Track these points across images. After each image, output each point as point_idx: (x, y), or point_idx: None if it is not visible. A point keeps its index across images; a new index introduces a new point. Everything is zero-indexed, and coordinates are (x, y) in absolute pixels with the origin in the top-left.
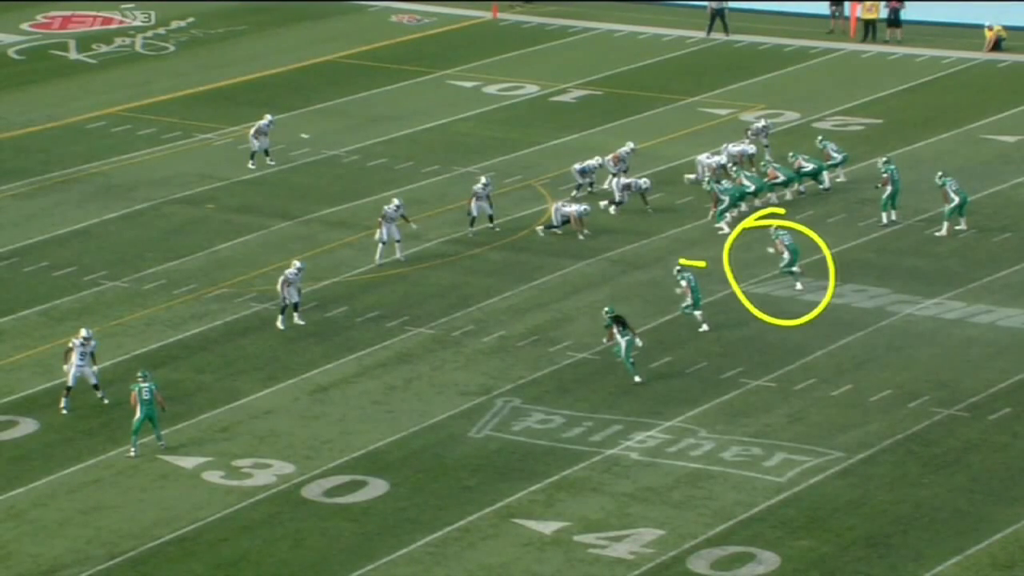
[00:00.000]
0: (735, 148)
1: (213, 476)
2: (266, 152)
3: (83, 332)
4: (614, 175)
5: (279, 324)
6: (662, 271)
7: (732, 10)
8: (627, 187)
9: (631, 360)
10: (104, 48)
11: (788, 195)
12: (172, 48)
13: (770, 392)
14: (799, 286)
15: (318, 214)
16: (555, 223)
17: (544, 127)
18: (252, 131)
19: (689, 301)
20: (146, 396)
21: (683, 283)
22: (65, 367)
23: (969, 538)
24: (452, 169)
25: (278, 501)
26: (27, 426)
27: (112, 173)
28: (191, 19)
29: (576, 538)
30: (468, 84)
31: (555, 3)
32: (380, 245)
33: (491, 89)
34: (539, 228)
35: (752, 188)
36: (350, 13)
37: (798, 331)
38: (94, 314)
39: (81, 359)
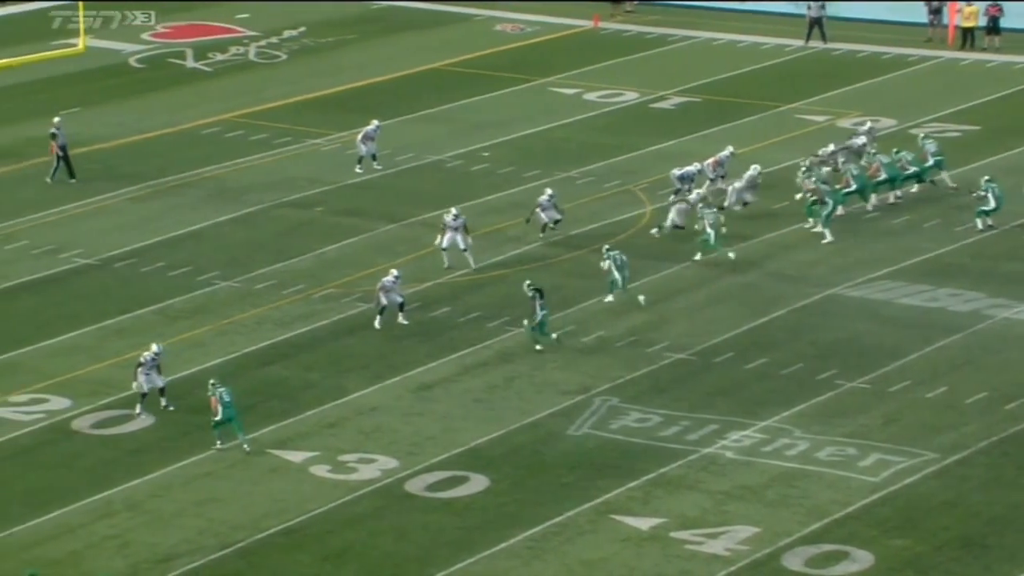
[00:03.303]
0: (858, 140)
1: (320, 470)
2: (373, 157)
3: (154, 347)
4: (712, 180)
5: (376, 325)
6: (758, 275)
7: (830, 18)
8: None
9: (545, 329)
10: (219, 57)
11: (891, 198)
12: (284, 56)
13: (865, 393)
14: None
15: (422, 217)
16: (676, 224)
17: (643, 133)
18: (360, 136)
19: (617, 278)
20: (227, 399)
21: (607, 262)
22: (135, 383)
23: None
24: (553, 174)
25: (382, 495)
26: (143, 420)
27: (225, 177)
28: (303, 28)
29: (672, 534)
30: (569, 91)
31: (656, 11)
32: (443, 252)
33: (591, 96)
34: (654, 231)
35: (855, 187)
36: (455, 22)
37: (893, 334)
38: (207, 313)
39: (149, 370)
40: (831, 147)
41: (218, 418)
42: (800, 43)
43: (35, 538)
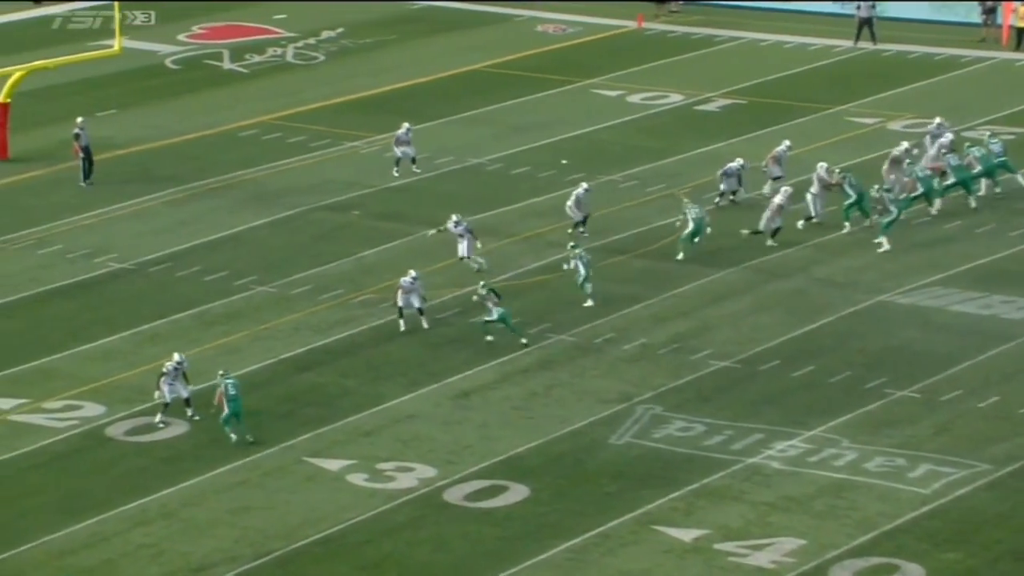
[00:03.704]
0: (946, 140)
1: (357, 478)
2: (413, 160)
3: (176, 356)
4: (775, 179)
5: (401, 327)
6: (805, 280)
7: (881, 18)
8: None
9: (512, 327)
10: (256, 58)
11: (973, 203)
12: (322, 58)
13: (915, 403)
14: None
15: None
16: (773, 226)
17: (688, 136)
18: (393, 141)
19: (582, 274)
20: (232, 391)
21: (572, 262)
22: (157, 392)
23: None
24: (596, 178)
25: (421, 504)
26: (177, 427)
27: (263, 180)
28: (341, 29)
29: (716, 546)
30: (612, 93)
31: (701, 11)
32: (466, 260)
33: (635, 98)
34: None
35: (922, 191)
36: (496, 23)
37: (945, 342)
38: (243, 318)
39: (173, 380)
40: (904, 145)
41: (224, 413)
42: (849, 44)
43: (69, 546)
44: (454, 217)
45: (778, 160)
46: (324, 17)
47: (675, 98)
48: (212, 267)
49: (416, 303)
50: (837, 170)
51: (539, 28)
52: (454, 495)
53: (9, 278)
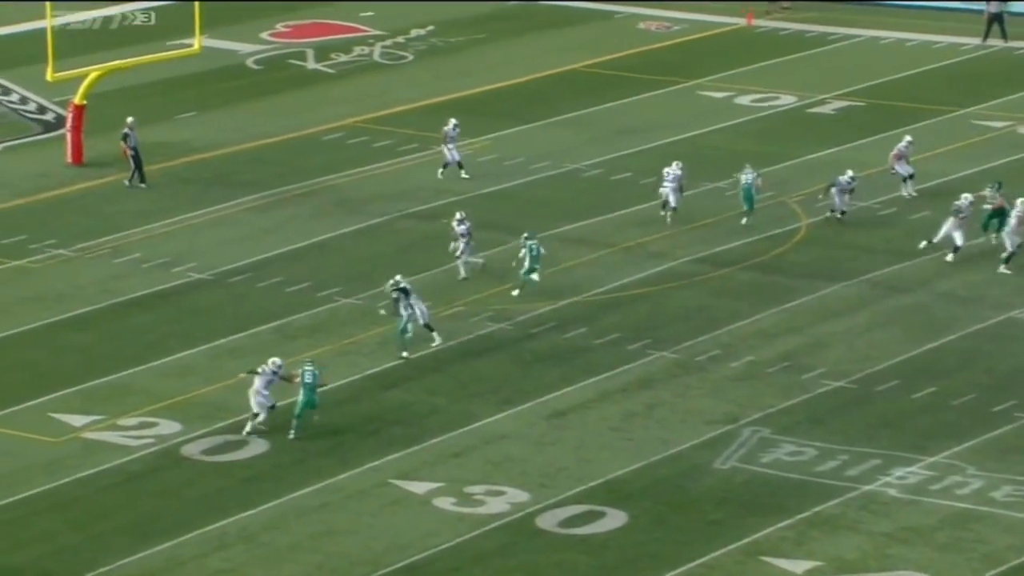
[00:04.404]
0: None
1: (445, 502)
2: (460, 164)
3: (275, 360)
4: (908, 178)
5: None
6: (927, 296)
7: (1012, 14)
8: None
9: (408, 335)
10: (343, 57)
11: None
12: (411, 57)
13: None
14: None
15: (558, 230)
16: (956, 243)
17: (800, 140)
18: (443, 138)
19: (526, 266)
20: (308, 380)
21: (523, 251)
22: (254, 399)
23: None
24: (701, 184)
25: (511, 530)
26: (257, 446)
27: (348, 186)
28: (431, 27)
29: None
30: (719, 94)
31: (815, 8)
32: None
33: (744, 100)
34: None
35: None
36: (595, 20)
37: None
38: (327, 332)
39: (266, 387)
40: None
41: (300, 399)
42: (977, 41)
43: (143, 571)
44: (458, 215)
45: (902, 157)
46: (413, 14)
47: (787, 100)
48: (294, 278)
49: (421, 315)
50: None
51: (641, 26)
52: (547, 521)
53: (83, 289)
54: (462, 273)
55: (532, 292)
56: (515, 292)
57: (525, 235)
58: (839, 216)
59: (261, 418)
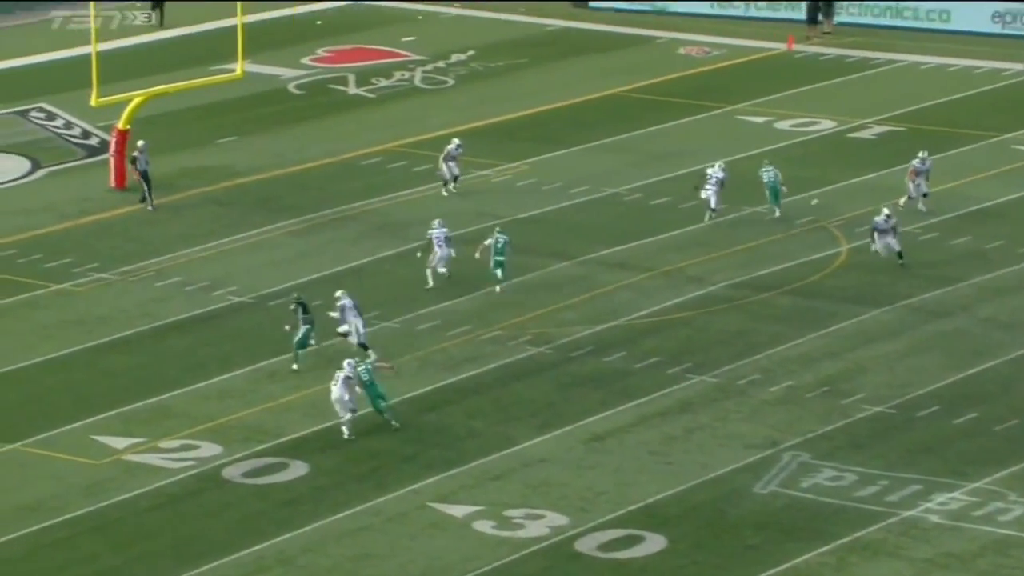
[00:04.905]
0: None
1: (484, 526)
2: (455, 179)
3: (349, 362)
4: (924, 195)
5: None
6: (968, 320)
7: None
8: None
9: (303, 347)
10: (383, 82)
11: None
12: (451, 82)
13: None
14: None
15: (597, 254)
16: None
17: (840, 165)
18: (442, 156)
19: (494, 260)
20: (365, 378)
21: (488, 241)
22: (347, 396)
23: None
24: (740, 208)
25: (551, 554)
26: (297, 469)
27: (387, 210)
28: (471, 52)
29: None
30: (759, 119)
31: (856, 33)
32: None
33: (783, 125)
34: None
35: None
36: (635, 45)
37: None
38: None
39: (344, 386)
40: None
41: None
42: (1020, 67)
43: None
44: (436, 222)
45: (919, 174)
46: (454, 39)
47: (827, 125)
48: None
49: (356, 331)
50: None
51: (681, 51)
52: (586, 545)
53: (125, 311)
54: (430, 283)
55: (509, 294)
56: (497, 288)
57: (497, 228)
58: (899, 261)
59: (348, 419)
